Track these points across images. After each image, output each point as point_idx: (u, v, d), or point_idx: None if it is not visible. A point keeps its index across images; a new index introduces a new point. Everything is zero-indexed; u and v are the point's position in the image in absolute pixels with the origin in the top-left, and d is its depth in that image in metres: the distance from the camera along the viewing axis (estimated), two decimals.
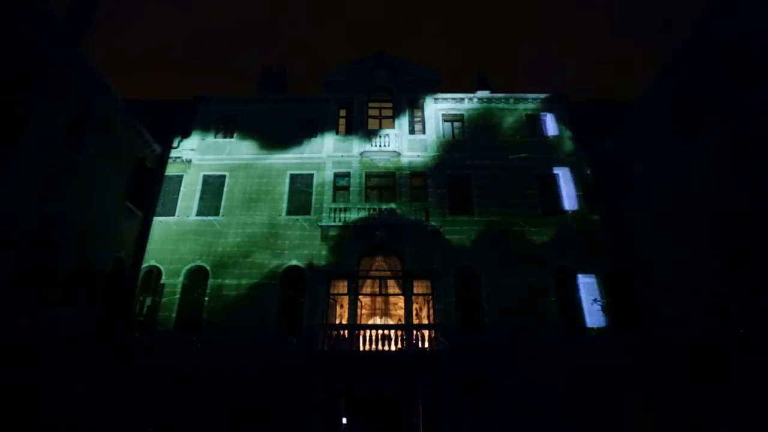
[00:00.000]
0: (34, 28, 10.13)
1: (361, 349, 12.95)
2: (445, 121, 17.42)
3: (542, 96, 17.58)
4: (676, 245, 12.02)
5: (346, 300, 14.36)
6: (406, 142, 16.61)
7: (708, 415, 10.30)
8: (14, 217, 9.60)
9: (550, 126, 17.11)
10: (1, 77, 9.29)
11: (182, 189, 15.82)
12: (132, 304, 13.74)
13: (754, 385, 9.15)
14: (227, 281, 14.24)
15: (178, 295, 14.11)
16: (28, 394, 9.68)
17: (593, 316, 13.63)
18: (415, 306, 15.26)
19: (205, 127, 17.15)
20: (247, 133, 17.03)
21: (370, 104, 17.85)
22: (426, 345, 13.06)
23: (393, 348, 13.06)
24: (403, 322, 14.32)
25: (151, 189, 15.32)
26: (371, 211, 14.99)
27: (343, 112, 17.71)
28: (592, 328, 13.45)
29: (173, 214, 15.35)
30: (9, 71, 9.51)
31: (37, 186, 10.27)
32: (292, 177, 16.13)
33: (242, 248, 14.75)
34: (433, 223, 14.78)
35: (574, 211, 15.31)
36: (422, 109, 17.62)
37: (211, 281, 14.27)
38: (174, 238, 14.92)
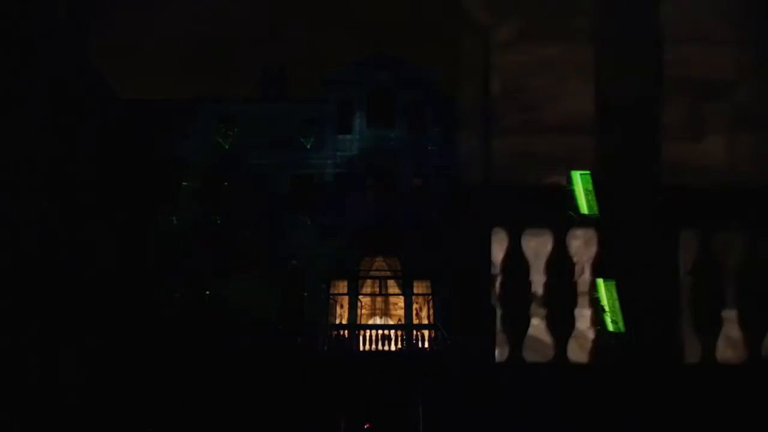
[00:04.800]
0: (35, 28, 10.13)
1: (362, 349, 12.96)
2: (446, 121, 17.36)
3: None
4: (675, 247, 11.99)
5: (346, 300, 14.36)
6: (407, 142, 16.59)
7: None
8: (13, 217, 9.59)
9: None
10: (1, 77, 9.29)
11: (182, 189, 15.81)
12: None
13: None
14: (227, 281, 14.23)
15: (178, 295, 14.10)
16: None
17: (594, 317, 13.59)
18: (415, 306, 15.26)
19: (205, 127, 17.13)
20: (247, 133, 17.01)
21: (371, 104, 17.82)
22: (426, 345, 13.07)
23: (393, 348, 13.08)
24: (403, 322, 14.33)
25: (151, 189, 15.30)
26: (371, 211, 14.99)
27: (343, 112, 17.69)
28: (594, 330, 13.41)
29: (173, 214, 15.33)
30: (9, 71, 9.50)
31: (36, 186, 10.27)
32: (293, 177, 16.12)
33: (242, 248, 14.73)
34: (433, 223, 14.77)
35: (574, 212, 15.27)
36: (423, 108, 17.58)
37: (211, 281, 14.26)
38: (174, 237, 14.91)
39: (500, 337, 11.26)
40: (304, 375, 12.47)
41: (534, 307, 11.68)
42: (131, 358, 12.78)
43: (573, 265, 12.38)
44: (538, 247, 11.59)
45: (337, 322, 15.22)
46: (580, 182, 15.76)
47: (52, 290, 10.67)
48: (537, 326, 11.71)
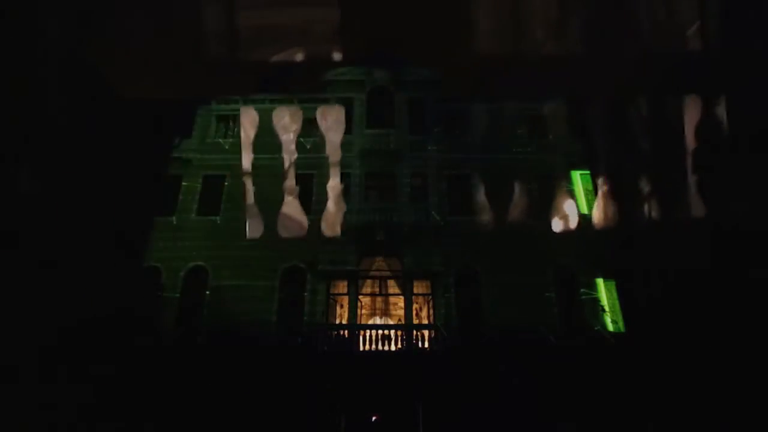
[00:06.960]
0: (37, 27, 10.13)
1: (362, 349, 12.95)
2: (446, 121, 17.38)
3: (544, 96, 17.54)
4: (674, 247, 12.02)
5: (346, 300, 14.36)
6: (407, 142, 16.60)
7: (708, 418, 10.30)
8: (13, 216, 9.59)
9: (552, 126, 17.08)
10: (3, 77, 9.29)
11: (182, 189, 15.80)
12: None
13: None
14: (227, 281, 14.23)
15: (177, 295, 14.10)
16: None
17: (595, 318, 13.62)
18: (415, 306, 15.24)
19: (205, 127, 17.14)
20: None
21: (370, 104, 17.81)
22: (426, 345, 13.06)
23: (393, 348, 13.07)
24: (403, 322, 14.32)
25: (151, 189, 15.31)
26: (371, 211, 14.98)
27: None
28: (595, 331, 13.43)
29: (173, 214, 15.33)
30: (11, 70, 9.50)
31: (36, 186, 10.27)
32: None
33: (242, 248, 14.72)
34: (433, 223, 14.77)
35: (575, 213, 15.27)
36: (423, 109, 17.58)
37: (211, 281, 14.26)
38: (174, 237, 14.89)
39: None
40: (305, 375, 12.46)
41: None
42: (130, 357, 12.77)
43: None
44: None
45: (337, 322, 15.20)
46: (580, 182, 15.82)
47: (52, 291, 10.69)
48: None
